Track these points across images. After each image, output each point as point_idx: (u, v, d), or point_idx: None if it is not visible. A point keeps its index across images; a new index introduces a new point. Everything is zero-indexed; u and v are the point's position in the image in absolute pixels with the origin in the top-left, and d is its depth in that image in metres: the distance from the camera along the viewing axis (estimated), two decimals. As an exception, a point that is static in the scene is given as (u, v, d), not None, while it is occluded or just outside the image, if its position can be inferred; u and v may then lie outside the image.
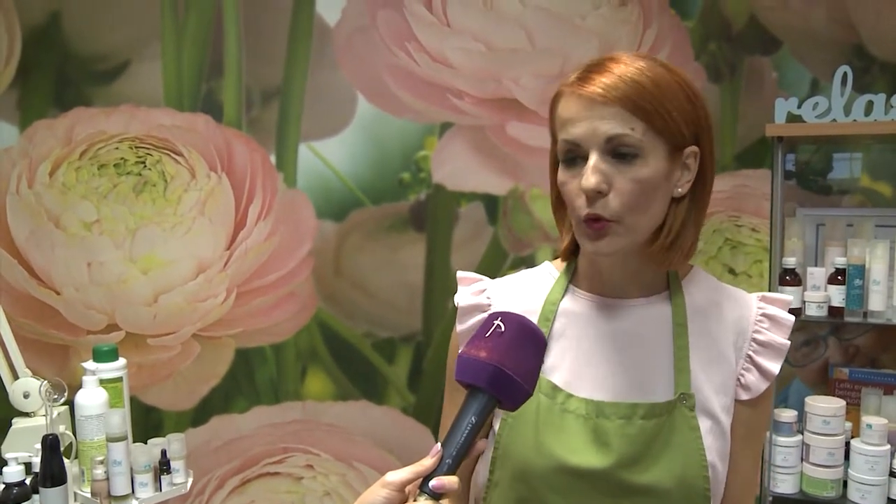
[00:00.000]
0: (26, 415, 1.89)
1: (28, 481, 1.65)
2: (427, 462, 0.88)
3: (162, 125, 2.43)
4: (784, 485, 2.16)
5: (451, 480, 0.87)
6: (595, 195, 1.01)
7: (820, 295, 2.15)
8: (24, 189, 2.43)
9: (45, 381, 1.68)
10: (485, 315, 1.19)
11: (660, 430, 1.07)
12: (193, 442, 2.38)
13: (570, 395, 1.10)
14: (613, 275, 1.13)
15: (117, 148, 2.43)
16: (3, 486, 1.63)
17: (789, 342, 1.12)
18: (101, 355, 1.89)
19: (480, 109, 2.38)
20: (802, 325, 2.33)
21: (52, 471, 1.58)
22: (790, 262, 2.18)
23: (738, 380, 1.12)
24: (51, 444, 1.58)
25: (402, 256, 2.43)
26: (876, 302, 2.10)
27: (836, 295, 2.14)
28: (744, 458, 1.14)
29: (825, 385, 2.34)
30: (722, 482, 1.13)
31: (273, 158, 2.44)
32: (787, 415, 2.17)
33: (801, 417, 2.18)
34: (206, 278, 2.41)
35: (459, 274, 1.24)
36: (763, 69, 2.33)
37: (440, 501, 0.87)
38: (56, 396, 1.68)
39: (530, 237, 2.40)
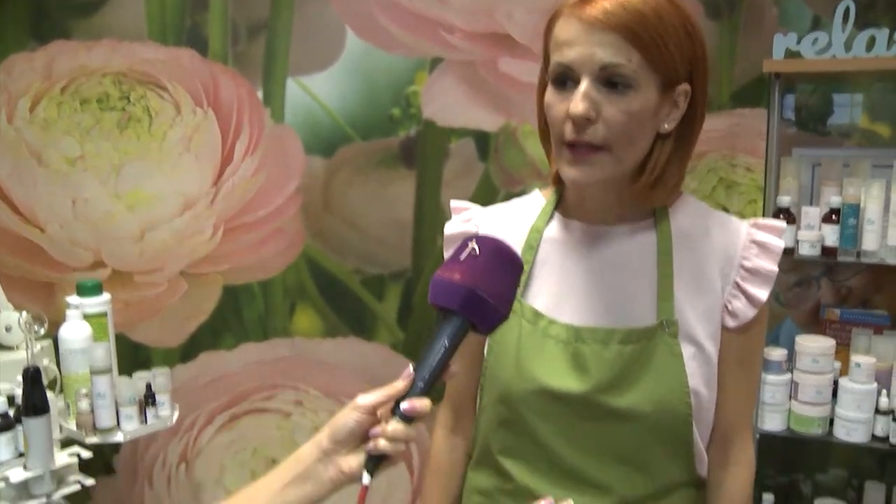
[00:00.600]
0: (9, 349, 1.87)
1: (12, 414, 1.63)
2: (399, 385, 0.86)
3: (145, 59, 2.37)
4: (772, 422, 2.16)
5: (422, 403, 0.85)
6: (583, 122, 0.99)
7: (813, 234, 2.12)
8: (4, 124, 2.37)
9: (25, 313, 1.65)
10: None
11: (639, 355, 1.07)
12: (181, 378, 2.37)
13: (551, 321, 1.10)
14: (597, 202, 1.12)
15: (100, 83, 2.37)
16: (-14, 417, 1.61)
17: (777, 269, 1.11)
18: (85, 290, 1.87)
19: (472, 44, 2.32)
20: (795, 265, 2.31)
21: (33, 401, 1.57)
22: (784, 200, 2.15)
23: (726, 307, 1.11)
24: (32, 376, 1.56)
25: (391, 192, 2.39)
26: (869, 241, 2.07)
27: (830, 234, 2.11)
28: (735, 387, 1.14)
29: (816, 325, 2.33)
30: (708, 409, 1.12)
31: (260, 94, 2.38)
32: (777, 353, 2.17)
33: (791, 356, 2.18)
34: (192, 214, 2.37)
35: (453, 203, 1.26)
36: (763, 5, 2.27)
37: (412, 424, 0.86)
38: (36, 328, 1.66)
39: (522, 174, 2.36)
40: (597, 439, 1.10)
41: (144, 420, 1.81)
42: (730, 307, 1.11)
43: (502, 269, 0.89)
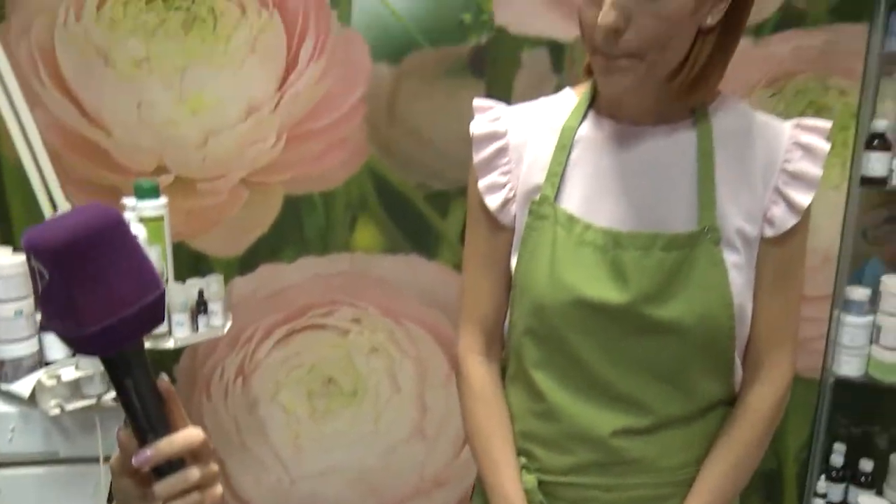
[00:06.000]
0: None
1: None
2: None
3: (210, -44, 2.29)
4: (849, 366, 2.03)
5: (155, 450, 0.70)
6: (612, 33, 0.91)
7: (916, 164, 1.96)
8: (73, 22, 2.33)
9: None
10: (500, 144, 1.10)
11: (681, 263, 1.00)
12: (240, 290, 2.36)
13: (587, 226, 1.02)
14: (634, 102, 1.04)
15: (165, -20, 2.30)
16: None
17: (821, 171, 1.01)
18: (143, 192, 1.84)
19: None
20: (887, 197, 2.14)
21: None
22: (880, 125, 1.97)
23: (765, 214, 1.02)
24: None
25: (459, 104, 2.26)
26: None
27: (936, 164, 1.94)
28: (771, 302, 1.06)
29: (910, 266, 2.17)
30: (748, 323, 1.06)
31: (326, -6, 2.28)
32: (860, 293, 2.03)
33: (875, 298, 2.04)
34: (256, 120, 2.31)
35: (476, 102, 1.15)
36: None
37: (172, 474, 0.70)
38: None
39: (599, 89, 2.21)
40: (636, 355, 1.04)
41: (196, 328, 1.79)
42: (768, 214, 1.02)
43: (98, 261, 0.63)
